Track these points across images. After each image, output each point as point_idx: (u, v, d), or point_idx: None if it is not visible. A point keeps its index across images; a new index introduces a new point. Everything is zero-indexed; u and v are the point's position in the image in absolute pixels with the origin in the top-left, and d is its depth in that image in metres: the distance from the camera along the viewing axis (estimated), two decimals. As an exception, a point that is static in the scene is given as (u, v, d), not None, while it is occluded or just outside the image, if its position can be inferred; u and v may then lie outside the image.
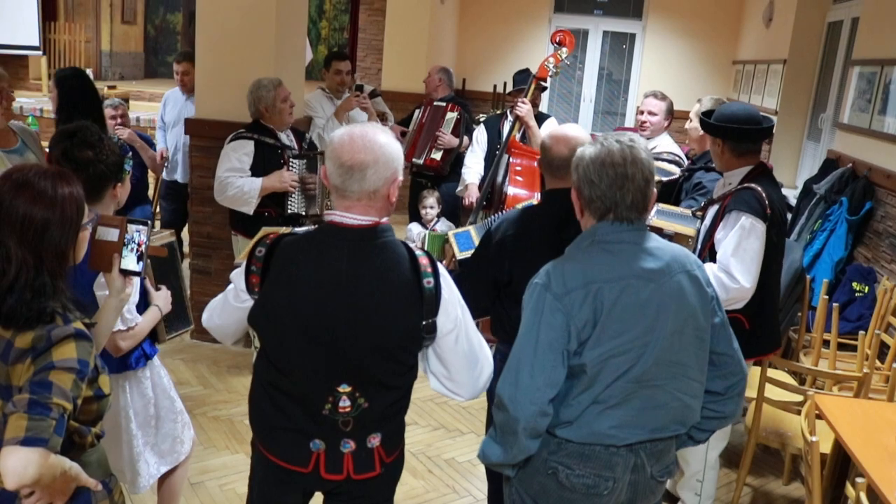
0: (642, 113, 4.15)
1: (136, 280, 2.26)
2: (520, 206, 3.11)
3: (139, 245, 1.95)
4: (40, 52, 11.30)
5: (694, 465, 3.06)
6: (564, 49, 4.27)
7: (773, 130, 6.85)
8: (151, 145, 5.13)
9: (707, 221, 2.93)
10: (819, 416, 2.70)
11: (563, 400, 1.85)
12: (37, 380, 1.52)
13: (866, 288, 4.33)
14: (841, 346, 3.95)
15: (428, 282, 1.79)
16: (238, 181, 3.86)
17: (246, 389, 2.11)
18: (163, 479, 2.67)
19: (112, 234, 1.92)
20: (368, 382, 1.83)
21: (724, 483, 3.56)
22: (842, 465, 2.92)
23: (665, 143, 4.08)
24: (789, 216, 5.42)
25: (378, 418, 1.88)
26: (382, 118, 5.49)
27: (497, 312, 2.63)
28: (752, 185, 2.76)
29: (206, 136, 4.50)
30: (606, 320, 1.80)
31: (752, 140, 2.84)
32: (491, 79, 9.46)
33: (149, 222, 2.00)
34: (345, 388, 1.82)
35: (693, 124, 3.62)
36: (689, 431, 2.03)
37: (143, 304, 2.37)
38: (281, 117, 3.98)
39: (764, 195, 2.72)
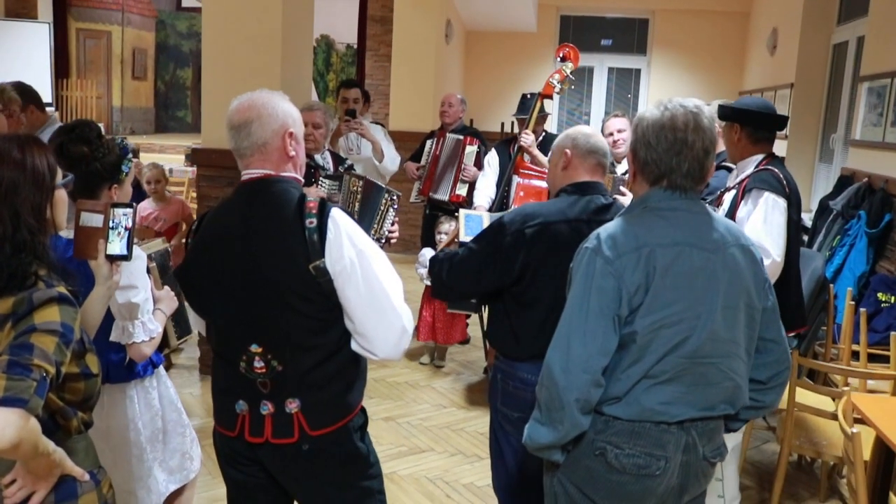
0: (611, 134, 4.24)
1: (148, 283, 2.19)
2: (530, 202, 2.97)
3: (126, 229, 1.86)
4: (52, 108, 11.48)
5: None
6: (569, 63, 4.20)
7: (786, 137, 6.79)
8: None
9: (726, 206, 2.91)
10: (857, 420, 2.57)
11: (612, 374, 1.76)
12: (17, 343, 1.45)
13: (892, 298, 4.21)
14: (870, 358, 3.80)
15: (310, 222, 1.80)
16: None
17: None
18: (169, 502, 2.54)
19: (96, 220, 1.84)
20: (280, 342, 1.84)
21: (758, 502, 3.40)
22: (883, 473, 2.76)
23: None
24: (805, 238, 5.33)
25: (296, 384, 1.87)
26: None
27: (498, 317, 2.45)
28: (769, 167, 2.83)
29: (212, 166, 4.46)
30: (659, 286, 1.72)
31: (768, 127, 2.90)
32: (498, 117, 9.48)
33: (134, 205, 1.93)
34: (256, 349, 1.85)
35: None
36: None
37: None
38: None
39: (781, 175, 2.79)
